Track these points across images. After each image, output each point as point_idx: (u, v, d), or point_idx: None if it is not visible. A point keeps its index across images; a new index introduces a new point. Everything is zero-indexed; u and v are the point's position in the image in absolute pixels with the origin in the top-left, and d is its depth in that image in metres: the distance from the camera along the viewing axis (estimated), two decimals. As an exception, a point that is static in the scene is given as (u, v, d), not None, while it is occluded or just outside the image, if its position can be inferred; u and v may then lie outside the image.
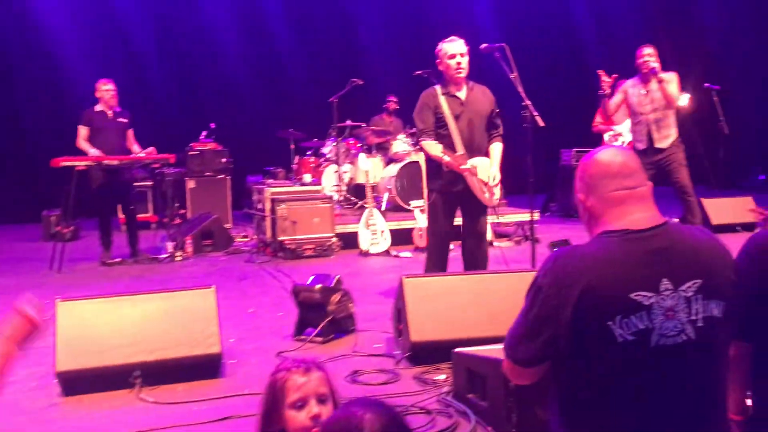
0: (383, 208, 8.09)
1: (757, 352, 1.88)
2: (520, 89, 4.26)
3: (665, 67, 5.97)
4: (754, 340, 1.86)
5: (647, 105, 5.92)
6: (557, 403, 1.78)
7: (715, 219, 7.41)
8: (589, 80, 11.38)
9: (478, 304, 3.70)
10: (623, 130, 7.86)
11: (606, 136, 7.95)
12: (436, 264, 4.58)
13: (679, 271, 1.68)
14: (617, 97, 6.03)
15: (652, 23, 12.64)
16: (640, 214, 1.75)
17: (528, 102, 4.25)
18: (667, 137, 5.92)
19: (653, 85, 5.90)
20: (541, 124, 4.26)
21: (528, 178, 4.54)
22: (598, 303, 1.64)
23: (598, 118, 8.05)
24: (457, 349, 3.09)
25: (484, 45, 4.50)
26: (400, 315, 3.88)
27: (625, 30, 12.72)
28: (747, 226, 7.27)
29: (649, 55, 5.86)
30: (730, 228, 7.24)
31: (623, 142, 7.80)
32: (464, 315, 3.68)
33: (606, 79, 5.67)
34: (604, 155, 1.82)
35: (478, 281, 3.85)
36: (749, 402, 1.94)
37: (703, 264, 1.71)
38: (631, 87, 6.05)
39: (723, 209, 7.60)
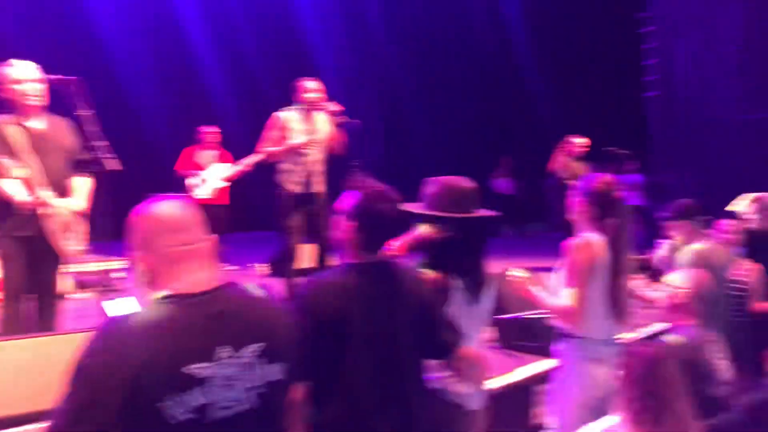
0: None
1: (313, 390, 1.95)
2: (94, 128, 3.87)
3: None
4: (311, 379, 1.92)
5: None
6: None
7: (299, 263, 7.88)
8: (171, 123, 11.27)
9: (30, 374, 3.14)
10: (208, 175, 7.84)
11: (191, 181, 7.83)
12: (12, 325, 3.82)
13: (239, 336, 1.58)
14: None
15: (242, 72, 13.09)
16: (201, 274, 1.61)
17: (103, 143, 3.88)
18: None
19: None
20: (118, 167, 3.92)
21: (106, 224, 4.12)
22: (149, 382, 1.44)
23: (183, 162, 7.94)
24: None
25: (56, 76, 3.99)
26: None
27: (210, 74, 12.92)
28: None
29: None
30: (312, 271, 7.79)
31: (209, 189, 7.76)
32: (10, 389, 3.09)
33: None
34: (160, 208, 1.65)
35: (29, 346, 3.27)
36: None
37: (263, 326, 1.64)
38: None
39: (307, 254, 8.12)
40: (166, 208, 1.63)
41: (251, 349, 1.58)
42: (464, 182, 2.60)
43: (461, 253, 2.48)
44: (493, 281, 2.71)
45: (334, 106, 5.40)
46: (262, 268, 7.41)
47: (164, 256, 1.59)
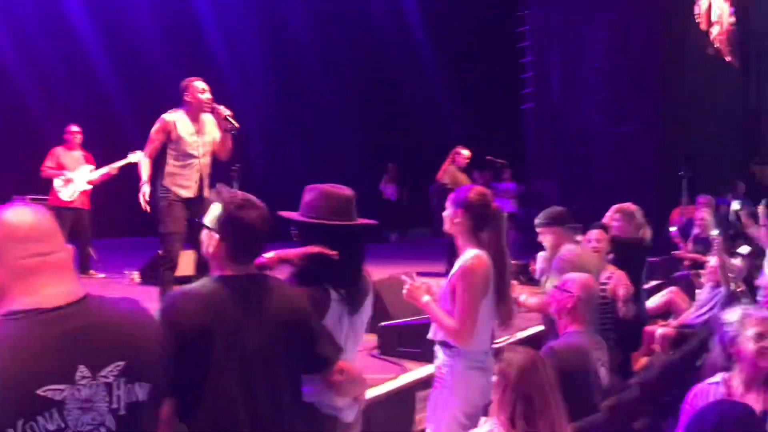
0: None
1: (178, 408, 1.87)
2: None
3: None
4: (176, 396, 1.83)
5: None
6: None
7: (179, 271, 7.57)
8: (35, 119, 10.50)
9: None
10: (76, 176, 7.38)
11: (56, 182, 7.33)
12: None
13: (98, 355, 1.46)
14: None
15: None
16: (57, 288, 1.48)
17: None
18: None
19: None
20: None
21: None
22: None
23: (48, 162, 7.41)
24: None
25: None
26: None
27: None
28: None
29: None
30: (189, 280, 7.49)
31: (74, 191, 7.30)
32: None
33: None
34: (12, 215, 1.50)
35: None
36: None
37: (126, 343, 1.53)
38: None
39: (188, 261, 7.82)
40: (16, 216, 1.49)
41: (111, 368, 1.46)
42: (342, 190, 2.55)
43: (339, 263, 2.42)
44: (371, 289, 2.67)
45: (224, 110, 5.17)
46: (135, 276, 7.07)
47: (15, 269, 1.46)
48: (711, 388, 2.77)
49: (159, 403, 1.61)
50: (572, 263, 3.99)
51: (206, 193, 5.23)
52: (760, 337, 2.68)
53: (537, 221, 4.37)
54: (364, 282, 2.59)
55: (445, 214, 3.09)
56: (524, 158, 11.79)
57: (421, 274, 5.98)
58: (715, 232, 6.53)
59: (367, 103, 14.60)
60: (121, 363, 1.48)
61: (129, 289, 6.65)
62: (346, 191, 2.55)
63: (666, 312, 6.50)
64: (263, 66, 13.90)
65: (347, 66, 14.26)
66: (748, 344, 2.68)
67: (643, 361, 5.29)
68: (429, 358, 4.06)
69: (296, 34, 13.85)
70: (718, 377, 2.79)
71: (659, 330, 5.60)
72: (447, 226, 3.11)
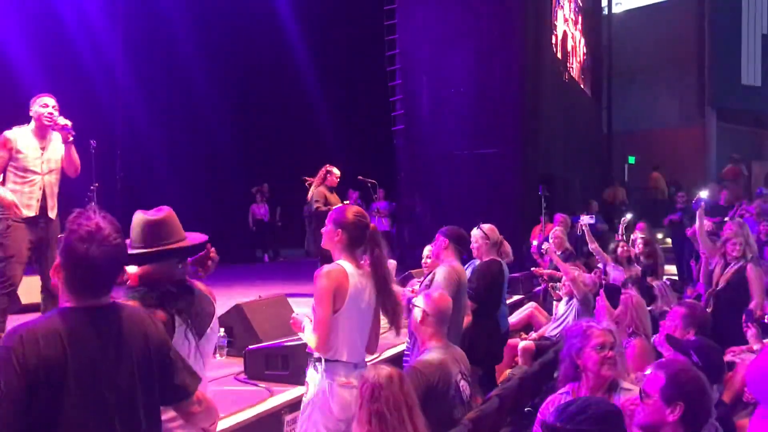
0: None
1: None
2: None
3: None
4: None
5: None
6: None
7: (25, 299, 7.05)
8: None
9: None
10: None
11: None
12: None
13: None
14: None
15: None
16: None
17: None
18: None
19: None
20: None
21: None
22: None
23: None
24: None
25: None
26: None
27: None
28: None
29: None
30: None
31: None
32: None
33: None
34: None
35: None
36: None
37: None
38: None
39: (34, 288, 7.32)
40: None
41: None
42: (153, 215, 2.47)
43: (173, 288, 2.34)
44: (214, 310, 2.59)
45: (62, 120, 4.97)
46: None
47: None
48: (562, 397, 2.93)
49: None
50: (456, 272, 4.35)
51: (51, 213, 5.06)
52: (601, 347, 2.88)
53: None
54: (206, 303, 2.53)
55: (324, 231, 3.18)
56: (395, 178, 12.04)
57: (293, 294, 5.94)
58: (545, 246, 7.03)
59: (242, 123, 14.37)
60: None
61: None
62: (154, 215, 2.47)
63: (527, 325, 6.83)
64: (136, 79, 13.34)
65: (223, 85, 13.97)
66: (591, 355, 2.87)
67: (506, 373, 5.51)
68: (296, 380, 4.04)
69: (171, 50, 13.42)
70: (567, 387, 2.97)
71: (521, 343, 5.86)
72: (324, 243, 3.19)
